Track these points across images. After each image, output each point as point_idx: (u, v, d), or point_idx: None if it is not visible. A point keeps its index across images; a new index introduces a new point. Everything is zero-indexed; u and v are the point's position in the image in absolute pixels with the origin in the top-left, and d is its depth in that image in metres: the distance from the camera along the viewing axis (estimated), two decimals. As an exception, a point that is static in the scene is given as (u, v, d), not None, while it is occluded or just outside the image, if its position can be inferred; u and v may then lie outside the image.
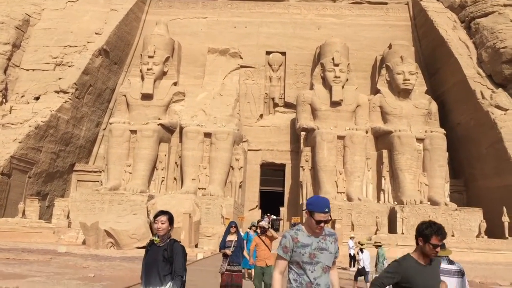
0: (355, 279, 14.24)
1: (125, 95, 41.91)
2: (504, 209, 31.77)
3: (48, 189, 38.66)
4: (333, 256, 4.06)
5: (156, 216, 5.23)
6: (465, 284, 5.94)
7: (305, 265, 3.99)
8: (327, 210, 3.89)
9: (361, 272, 14.10)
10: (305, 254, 4.02)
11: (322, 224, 3.94)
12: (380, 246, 14.26)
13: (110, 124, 40.44)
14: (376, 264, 14.01)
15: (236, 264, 9.71)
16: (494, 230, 32.33)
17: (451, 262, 5.98)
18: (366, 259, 14.14)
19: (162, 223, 5.14)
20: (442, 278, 5.87)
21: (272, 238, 9.88)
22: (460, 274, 5.91)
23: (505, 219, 31.46)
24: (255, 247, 10.08)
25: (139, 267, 18.54)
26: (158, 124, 39.58)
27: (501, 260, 27.62)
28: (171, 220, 5.25)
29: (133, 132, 39.33)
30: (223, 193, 37.64)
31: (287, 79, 47.17)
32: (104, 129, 44.37)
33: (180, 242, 5.23)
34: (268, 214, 42.26)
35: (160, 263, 4.95)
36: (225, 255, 9.88)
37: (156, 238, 5.14)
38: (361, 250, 14.42)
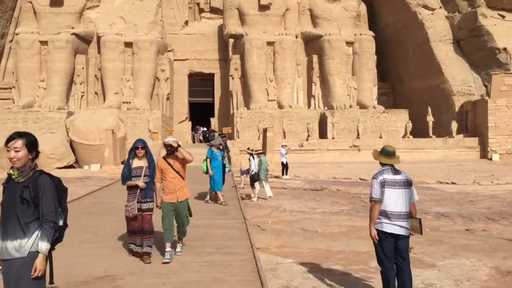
0: (252, 186, 14.16)
1: (31, 2, 37.57)
2: (429, 109, 32.63)
3: (-49, 111, 34.77)
4: None
5: (7, 141, 3.58)
6: (413, 194, 5.20)
7: None
8: None
9: (254, 177, 14.09)
10: None
11: None
12: (262, 153, 14.52)
13: (17, 35, 36.25)
14: (258, 171, 14.08)
15: (149, 200, 6.85)
16: (419, 130, 33.39)
17: (396, 171, 5.15)
18: (257, 165, 14.23)
19: (17, 151, 3.49)
20: (388, 190, 5.05)
21: (184, 161, 6.92)
22: (407, 184, 5.12)
23: (430, 118, 32.42)
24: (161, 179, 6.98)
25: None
26: (72, 34, 35.98)
27: (424, 158, 28.71)
28: (31, 144, 3.57)
29: (44, 43, 35.64)
30: (150, 106, 35.76)
31: (212, -18, 43.98)
32: (11, 41, 39.72)
33: (49, 173, 3.68)
34: (198, 126, 41.18)
35: (19, 206, 3.42)
36: (132, 189, 6.82)
37: (14, 172, 3.53)
38: (252, 156, 14.35)
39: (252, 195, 13.85)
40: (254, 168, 13.96)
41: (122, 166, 24.67)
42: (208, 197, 12.49)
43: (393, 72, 40.41)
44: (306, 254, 7.55)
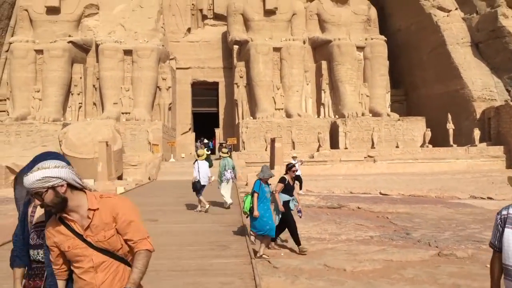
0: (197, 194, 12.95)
1: (26, 10, 36.09)
2: (449, 116, 30.42)
3: None
4: None
5: None
6: None
7: None
8: None
9: (196, 186, 12.71)
10: None
11: None
12: (227, 156, 13.36)
13: (11, 43, 34.67)
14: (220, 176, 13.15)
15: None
16: (436, 139, 31.18)
17: None
18: (202, 171, 12.79)
19: None
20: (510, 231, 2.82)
21: (129, 224, 2.64)
22: None
23: (450, 126, 30.17)
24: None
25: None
26: (69, 42, 34.33)
27: (446, 169, 26.51)
28: None
29: (39, 52, 34.07)
30: (150, 116, 33.88)
31: (215, -13, 42.34)
32: (7, 51, 38.20)
33: None
34: (201, 138, 39.15)
35: None
36: (32, 280, 2.94)
37: None
38: (196, 161, 13.17)
39: (200, 206, 12.74)
40: (197, 175, 12.69)
41: (118, 182, 22.71)
42: (261, 251, 8.17)
43: (406, 78, 38.32)
44: (336, 309, 5.45)
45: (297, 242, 8.47)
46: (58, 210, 2.59)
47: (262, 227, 8.12)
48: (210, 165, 13.45)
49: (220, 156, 13.51)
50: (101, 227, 2.61)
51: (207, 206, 12.52)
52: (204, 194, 12.90)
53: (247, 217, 8.52)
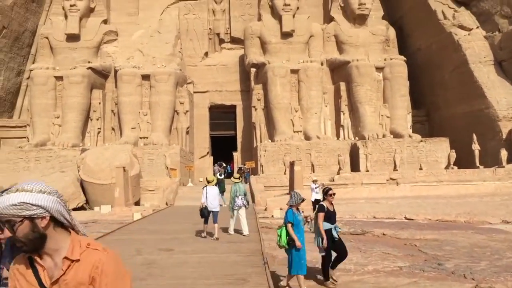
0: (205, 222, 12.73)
1: (47, 37, 36.73)
2: (474, 136, 29.50)
3: (-37, 151, 33.42)
4: None
5: None
6: None
7: None
8: None
9: (204, 213, 12.46)
10: None
11: None
12: (239, 181, 13.07)
13: (31, 71, 35.14)
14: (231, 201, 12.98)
15: None
16: (461, 160, 30.21)
17: None
18: (210, 197, 12.49)
19: None
20: None
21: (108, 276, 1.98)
22: None
23: (476, 147, 29.20)
24: None
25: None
26: (88, 68, 34.65)
27: (473, 192, 25.51)
28: None
29: (59, 78, 34.42)
30: (168, 141, 33.70)
31: (232, 11, 42.54)
32: (28, 78, 38.79)
33: None
34: (219, 162, 38.74)
35: None
36: None
37: None
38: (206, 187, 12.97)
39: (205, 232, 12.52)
40: (205, 201, 12.40)
41: (135, 208, 22.35)
42: (285, 281, 7.72)
43: (428, 98, 37.56)
44: None
45: (325, 276, 7.89)
46: (30, 249, 1.95)
47: (301, 268, 7.30)
48: (223, 191, 13.21)
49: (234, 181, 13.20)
50: (72, 286, 1.96)
51: (216, 235, 12.20)
52: (220, 221, 12.50)
53: (285, 251, 7.70)
